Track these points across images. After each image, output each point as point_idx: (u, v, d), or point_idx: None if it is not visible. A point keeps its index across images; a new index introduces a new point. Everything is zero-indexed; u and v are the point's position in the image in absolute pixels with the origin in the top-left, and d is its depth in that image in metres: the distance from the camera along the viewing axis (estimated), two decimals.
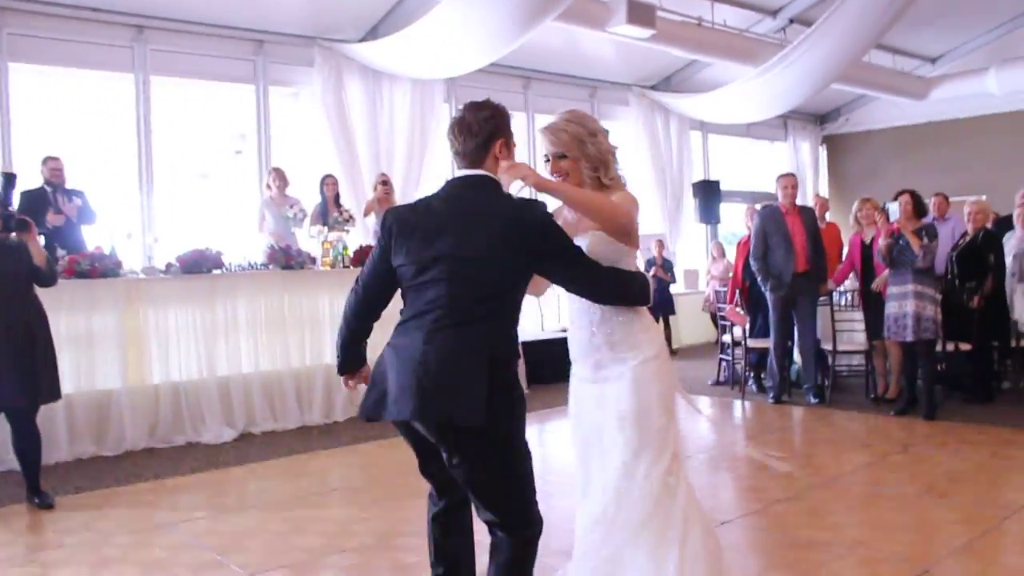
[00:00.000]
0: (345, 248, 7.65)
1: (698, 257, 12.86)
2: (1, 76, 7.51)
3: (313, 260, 7.45)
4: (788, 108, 12.07)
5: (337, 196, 8.51)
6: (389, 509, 4.85)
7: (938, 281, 6.83)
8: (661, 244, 11.35)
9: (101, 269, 6.28)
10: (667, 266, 11.29)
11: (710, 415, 7.50)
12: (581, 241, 2.83)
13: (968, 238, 7.33)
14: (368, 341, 2.92)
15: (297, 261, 7.25)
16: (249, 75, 8.99)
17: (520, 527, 2.67)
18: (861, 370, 7.91)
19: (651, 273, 11.16)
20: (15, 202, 5.96)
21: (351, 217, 8.13)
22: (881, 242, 6.72)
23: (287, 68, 9.18)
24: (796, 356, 7.84)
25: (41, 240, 5.60)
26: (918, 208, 6.75)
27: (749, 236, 7.90)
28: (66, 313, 5.96)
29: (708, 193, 12.85)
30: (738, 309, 8.07)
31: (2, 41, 7.46)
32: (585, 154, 2.87)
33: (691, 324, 11.84)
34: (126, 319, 6.41)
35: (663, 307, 11.20)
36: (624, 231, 2.81)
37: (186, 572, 3.90)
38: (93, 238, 7.01)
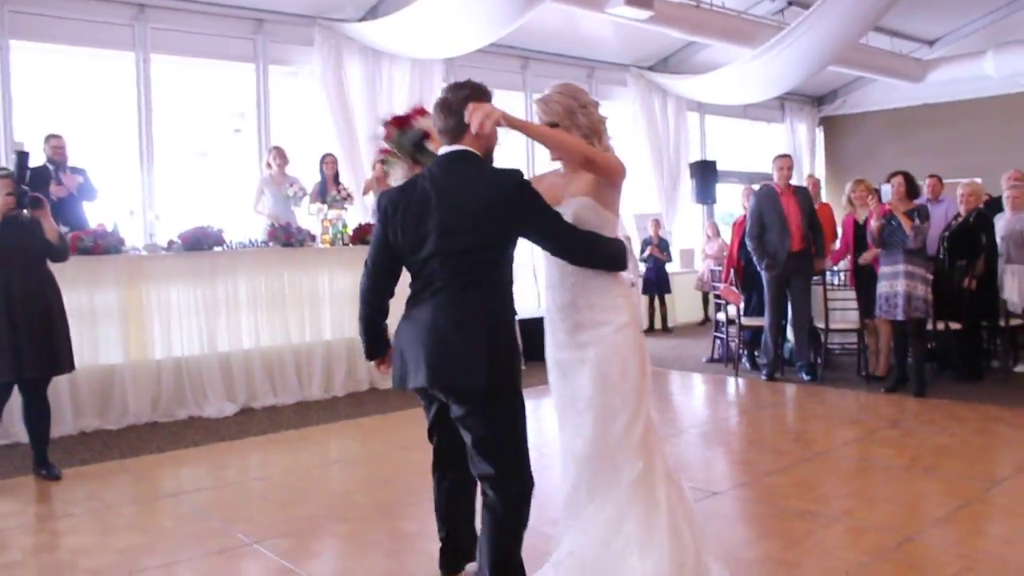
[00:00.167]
0: (344, 226, 7.73)
1: (694, 237, 12.94)
2: (3, 54, 7.56)
3: (313, 238, 7.54)
4: (785, 90, 12.12)
5: (336, 175, 8.57)
6: (388, 481, 4.97)
7: (929, 261, 6.93)
8: (657, 223, 11.44)
9: (104, 246, 6.36)
10: (663, 245, 11.39)
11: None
12: (567, 207, 2.96)
13: (960, 219, 7.42)
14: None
15: (297, 239, 7.33)
16: (249, 54, 9.02)
17: (513, 481, 2.84)
18: (853, 348, 8.03)
19: (647, 252, 11.27)
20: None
21: (349, 195, 8.20)
22: (873, 224, 6.81)
23: (287, 47, 9.21)
24: (789, 334, 7.96)
25: None
26: (911, 189, 6.83)
27: (745, 216, 7.99)
28: (70, 289, 6.00)
29: (705, 173, 12.93)
30: (733, 287, 8.17)
31: (4, 19, 7.50)
32: (576, 124, 3.00)
33: (686, 303, 11.94)
34: (129, 295, 6.49)
35: (659, 286, 11.33)
36: (599, 168, 2.93)
37: (192, 539, 4.01)
38: (96, 215, 7.09)
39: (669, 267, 11.54)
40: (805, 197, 7.73)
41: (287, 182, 8.21)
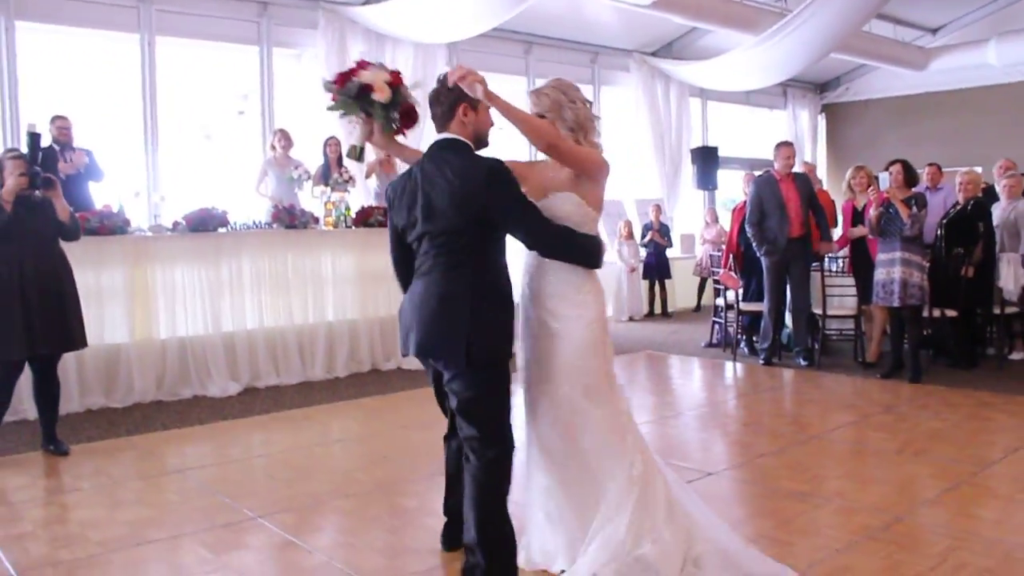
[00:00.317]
0: (347, 209, 7.80)
1: (695, 222, 13.01)
2: (9, 35, 7.61)
3: (316, 220, 7.61)
4: (787, 76, 12.15)
5: (340, 157, 8.62)
6: (389, 459, 5.06)
7: (926, 249, 7.00)
8: (658, 209, 11.49)
9: (110, 227, 6.44)
10: (664, 231, 11.44)
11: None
12: (551, 200, 3.09)
13: (958, 207, 7.48)
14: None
15: (301, 221, 7.40)
16: (253, 36, 9.07)
17: (493, 443, 2.99)
18: (851, 335, 8.10)
19: (648, 238, 11.33)
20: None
21: (351, 178, 8.27)
22: (872, 212, 6.87)
23: (291, 30, 9.26)
24: (788, 320, 8.03)
25: None
26: (909, 178, 6.89)
27: (745, 202, 8.05)
28: (76, 269, 6.04)
29: (706, 159, 12.97)
30: (732, 273, 8.24)
31: (10, 0, 7.55)
32: (562, 117, 3.13)
33: (687, 288, 12.01)
34: (134, 276, 6.57)
35: (659, 271, 11.39)
36: (564, 156, 3.06)
37: (198, 513, 4.11)
38: (101, 197, 7.17)
39: (670, 252, 11.60)
40: (805, 183, 7.78)
41: (291, 165, 8.28)
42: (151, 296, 6.65)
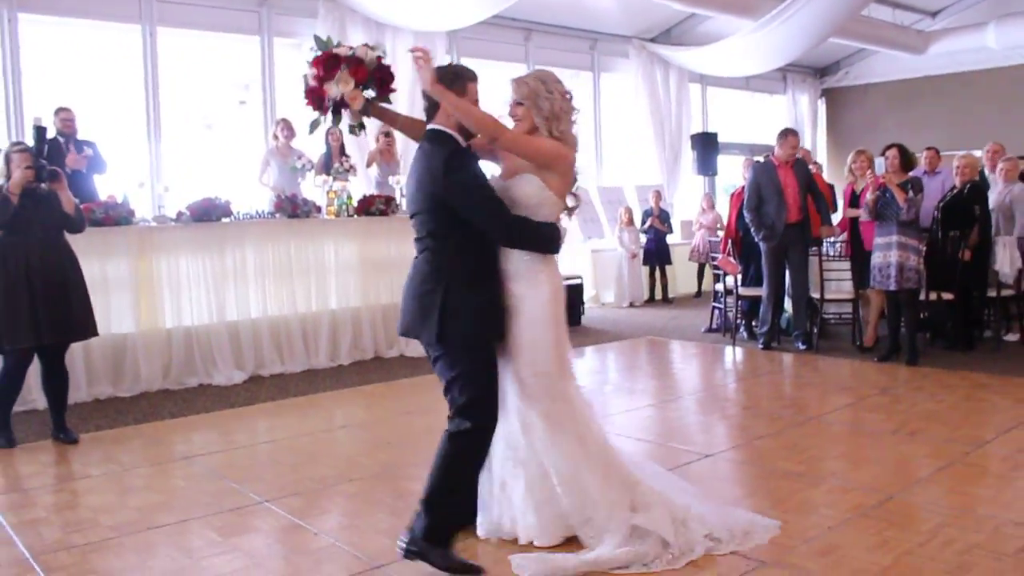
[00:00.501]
0: (349, 198, 7.85)
1: (695, 208, 13.04)
2: (12, 26, 7.67)
3: (319, 209, 7.67)
4: (787, 61, 12.17)
5: (342, 147, 8.69)
6: (392, 445, 5.15)
7: (922, 233, 7.05)
8: (658, 195, 11.54)
9: (114, 217, 6.50)
10: (664, 217, 11.49)
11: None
12: (514, 181, 3.24)
13: (955, 191, 7.52)
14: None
15: (303, 210, 7.47)
16: (254, 26, 9.13)
17: (473, 413, 3.15)
18: (849, 319, 8.17)
19: (648, 224, 11.38)
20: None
21: (352, 167, 8.33)
22: (868, 196, 6.92)
23: (291, 20, 9.30)
24: (787, 304, 8.09)
25: None
26: (905, 162, 6.94)
27: (743, 187, 8.10)
28: (82, 260, 6.11)
29: (706, 145, 13.02)
30: (730, 258, 8.30)
31: None
32: (538, 106, 3.27)
33: (687, 274, 12.07)
34: (139, 266, 6.65)
35: (659, 257, 11.45)
36: (508, 145, 3.21)
37: (207, 498, 4.20)
38: (106, 187, 7.23)
39: (670, 238, 11.65)
40: (803, 169, 7.83)
41: (294, 154, 8.33)
42: (156, 286, 6.73)
